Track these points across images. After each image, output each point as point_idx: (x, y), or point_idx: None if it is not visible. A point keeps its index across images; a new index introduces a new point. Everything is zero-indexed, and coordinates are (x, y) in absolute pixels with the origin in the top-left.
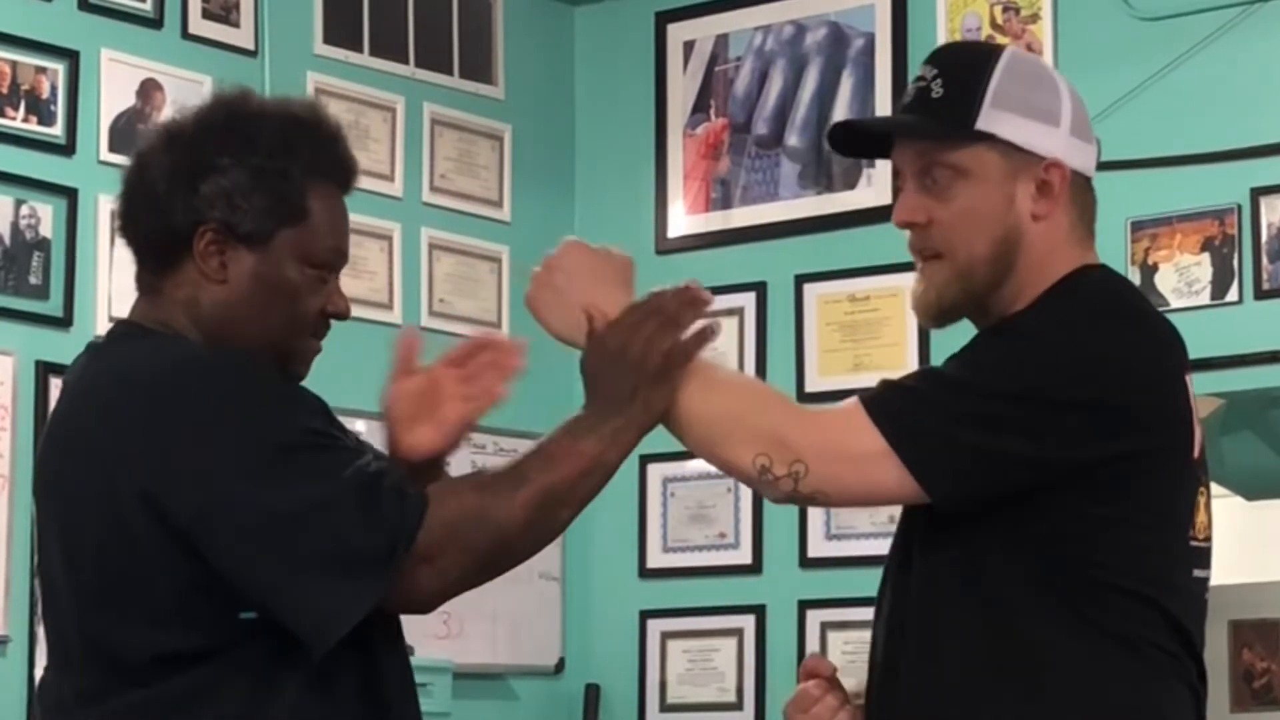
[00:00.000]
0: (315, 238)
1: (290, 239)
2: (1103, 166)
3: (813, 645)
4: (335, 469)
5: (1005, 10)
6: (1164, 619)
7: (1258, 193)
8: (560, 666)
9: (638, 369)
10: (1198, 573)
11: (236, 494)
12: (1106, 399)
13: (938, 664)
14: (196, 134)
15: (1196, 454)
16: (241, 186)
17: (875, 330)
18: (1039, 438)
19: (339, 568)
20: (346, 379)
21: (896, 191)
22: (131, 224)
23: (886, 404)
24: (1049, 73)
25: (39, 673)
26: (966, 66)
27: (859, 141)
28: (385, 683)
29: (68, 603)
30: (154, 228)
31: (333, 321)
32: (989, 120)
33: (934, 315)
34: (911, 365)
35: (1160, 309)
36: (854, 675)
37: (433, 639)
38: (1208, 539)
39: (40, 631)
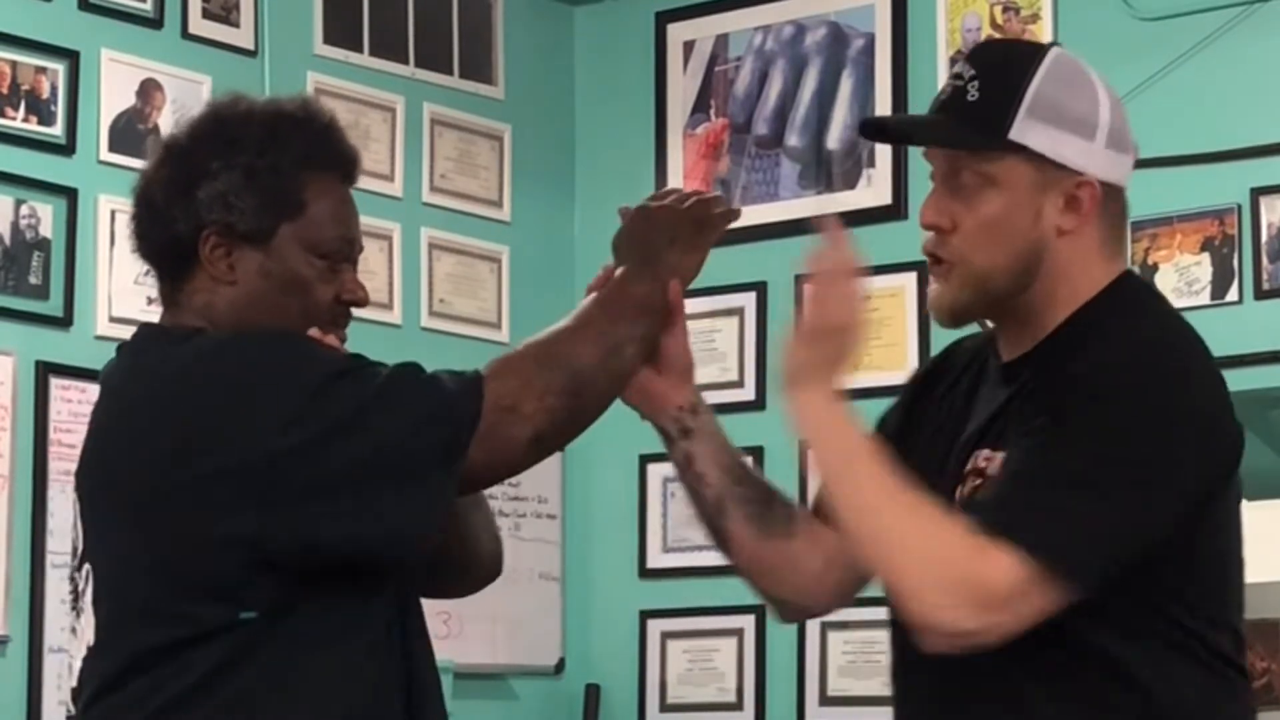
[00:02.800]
0: (318, 228)
1: (292, 232)
2: None
3: (813, 645)
4: (378, 378)
5: (1005, 10)
6: (1235, 638)
7: (1258, 193)
8: (560, 666)
9: (673, 224)
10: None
11: (295, 433)
12: (1208, 454)
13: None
14: (189, 144)
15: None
16: (235, 187)
17: (875, 330)
18: (1165, 507)
19: (402, 477)
20: None
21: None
22: (142, 241)
23: (1024, 523)
24: (1090, 79)
25: (41, 672)
26: (1005, 70)
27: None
28: (414, 675)
29: (119, 583)
30: (161, 240)
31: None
32: (1023, 130)
33: (950, 318)
34: (912, 365)
35: None
36: (852, 676)
37: (433, 639)
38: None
39: (43, 630)
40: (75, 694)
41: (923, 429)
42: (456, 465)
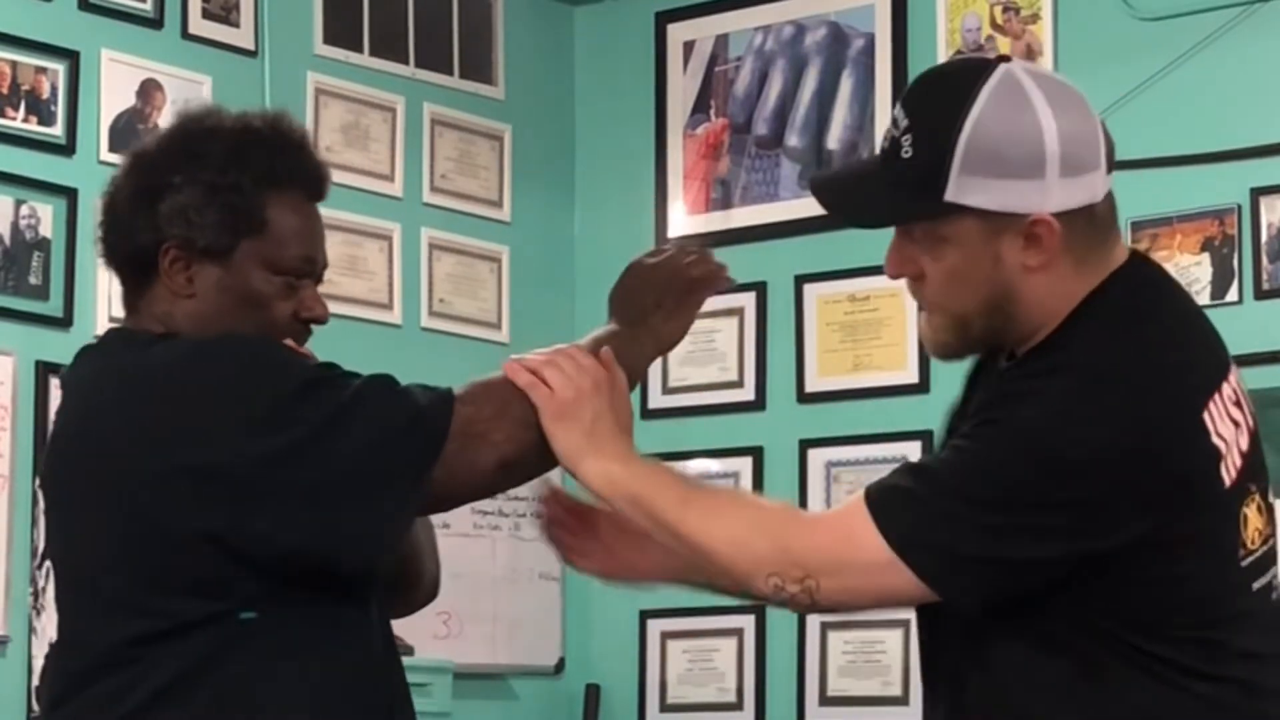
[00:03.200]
0: (278, 246)
1: (252, 249)
2: None
3: (813, 645)
4: (349, 389)
5: (1005, 10)
6: (1232, 650)
7: (1258, 193)
8: (560, 666)
9: (662, 287)
10: (1258, 584)
11: (262, 440)
12: (1100, 499)
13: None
14: (155, 155)
15: (1233, 478)
16: (196, 202)
17: (875, 330)
18: (1041, 539)
19: (370, 487)
20: None
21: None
22: (107, 249)
23: (890, 509)
24: (1032, 110)
25: (38, 671)
26: (936, 120)
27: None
28: (393, 680)
29: (87, 579)
30: (123, 249)
31: (314, 327)
32: (959, 190)
33: (940, 357)
34: (911, 365)
35: None
36: (852, 676)
37: (433, 639)
38: (1266, 540)
39: (39, 628)
40: (39, 693)
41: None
42: (420, 482)
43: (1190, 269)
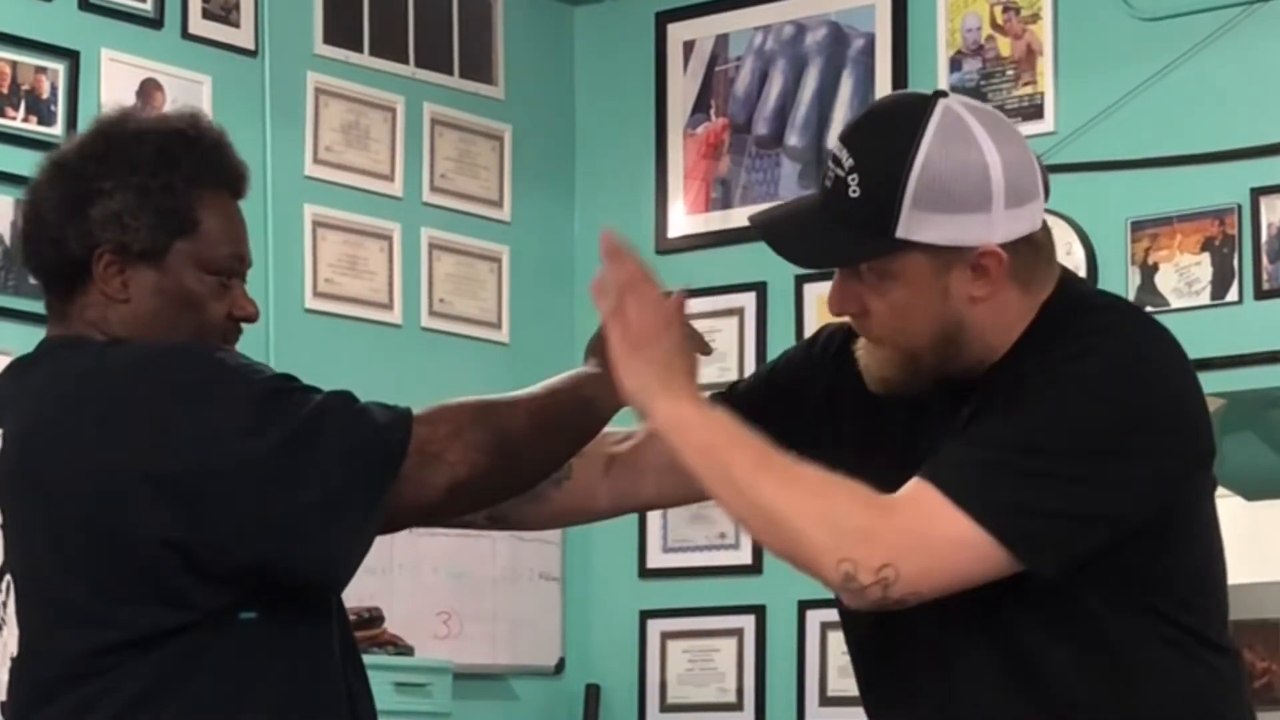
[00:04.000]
0: (210, 245)
1: (185, 250)
2: (1103, 166)
3: (813, 645)
4: (308, 403)
5: (1005, 10)
6: (1221, 624)
7: (1258, 193)
8: (560, 666)
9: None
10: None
11: (222, 451)
12: (1168, 440)
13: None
14: (79, 162)
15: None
16: (129, 206)
17: None
18: (1120, 490)
19: (332, 504)
20: (347, 379)
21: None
22: (32, 257)
23: (964, 482)
24: (977, 143)
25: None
26: (883, 160)
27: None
28: (353, 685)
29: (58, 592)
30: (51, 258)
31: (244, 326)
32: (909, 227)
33: (887, 391)
34: None
35: (1160, 309)
36: (852, 676)
37: (433, 639)
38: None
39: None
40: (2, 707)
41: (847, 428)
42: (381, 500)
43: (1190, 269)
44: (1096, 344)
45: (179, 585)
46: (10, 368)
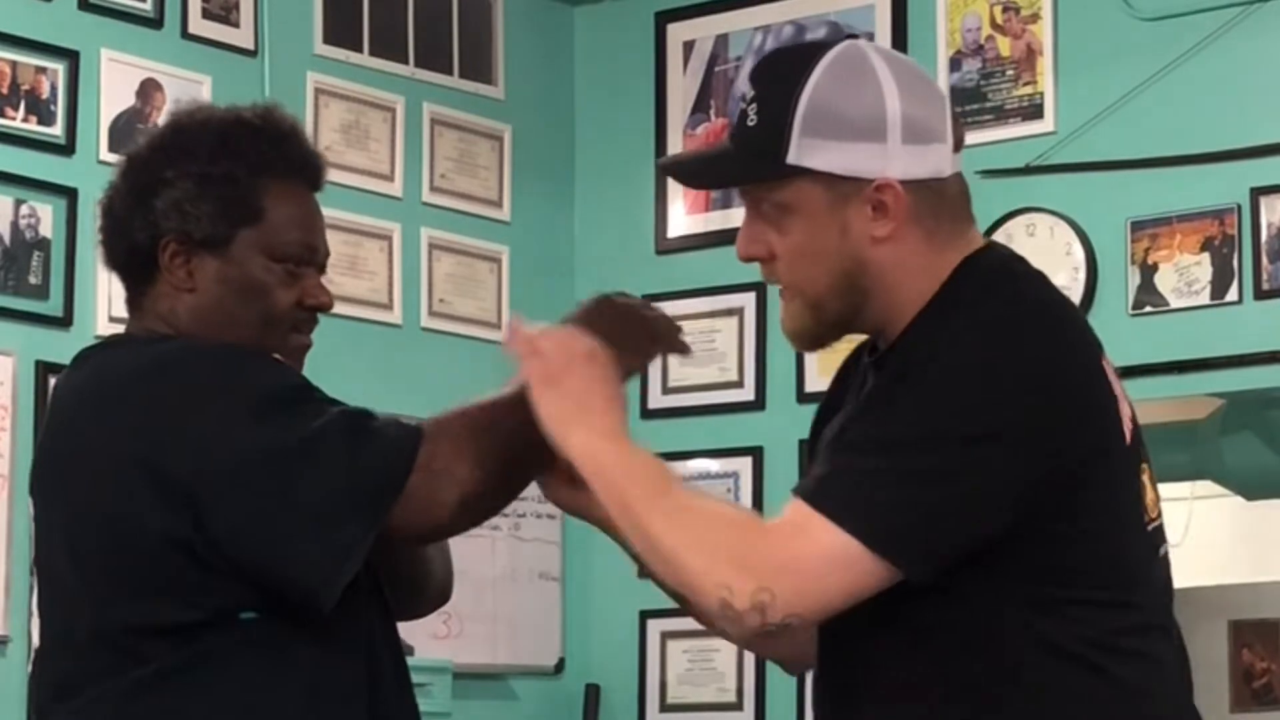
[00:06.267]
0: (276, 234)
1: (250, 238)
2: (1103, 166)
3: None
4: (321, 415)
5: (1005, 10)
6: (1138, 617)
7: (1258, 193)
8: (560, 666)
9: (624, 323)
10: (1162, 551)
11: (226, 452)
12: (1032, 421)
13: (911, 700)
14: (147, 154)
15: (1129, 437)
16: (189, 194)
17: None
18: (990, 479)
19: (333, 514)
20: (347, 379)
21: None
22: (107, 251)
23: (827, 491)
24: (874, 75)
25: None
26: (778, 88)
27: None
28: (383, 678)
29: (72, 586)
30: (122, 249)
31: (319, 315)
32: (800, 152)
33: (803, 345)
34: None
35: (1160, 309)
36: None
37: (433, 639)
38: (1159, 515)
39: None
40: (30, 698)
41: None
42: (379, 515)
43: (1190, 269)
44: (955, 325)
45: (189, 581)
46: (74, 361)
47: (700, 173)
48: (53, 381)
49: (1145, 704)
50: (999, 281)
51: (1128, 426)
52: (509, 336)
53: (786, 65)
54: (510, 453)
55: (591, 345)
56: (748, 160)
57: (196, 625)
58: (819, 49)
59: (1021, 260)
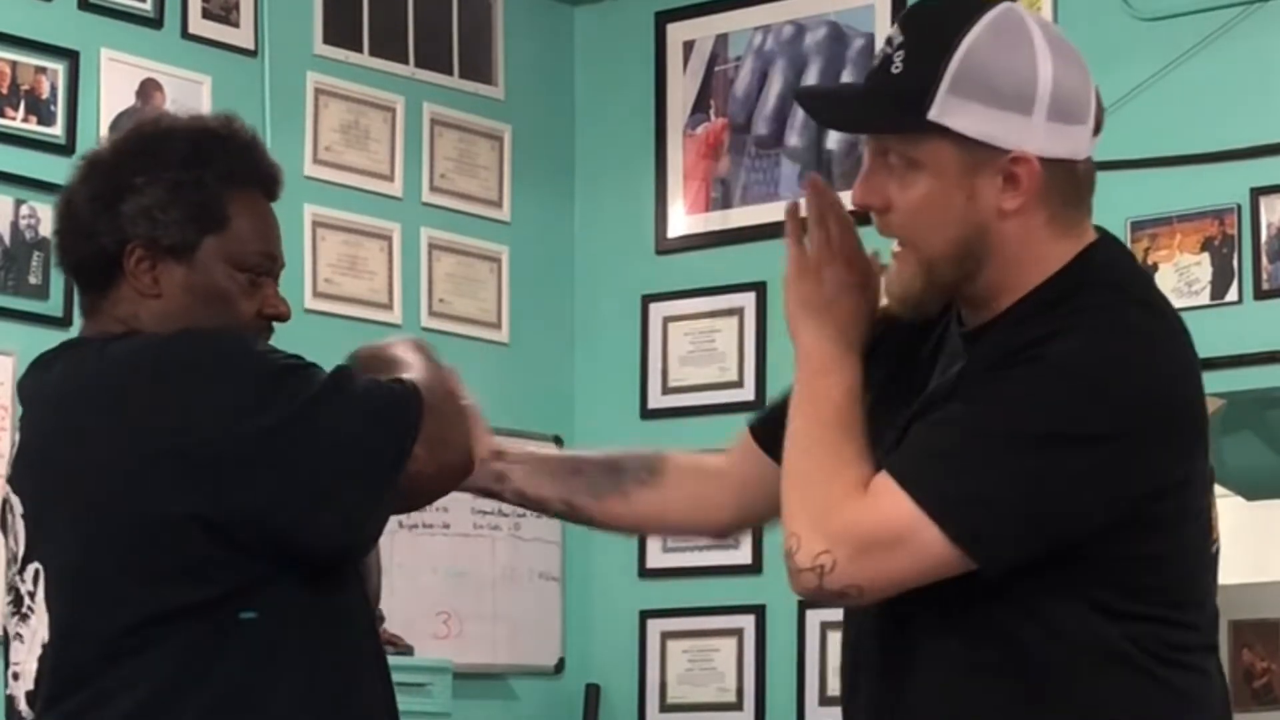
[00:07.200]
0: (240, 243)
1: (215, 246)
2: (1103, 166)
3: (813, 645)
4: (322, 381)
5: None
6: (1197, 638)
7: (1258, 193)
8: (560, 666)
9: None
10: (1218, 577)
11: (242, 426)
12: (1145, 433)
13: (969, 703)
14: (113, 158)
15: (1208, 455)
16: (160, 201)
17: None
18: (1083, 483)
19: (352, 468)
20: None
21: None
22: (64, 254)
23: (916, 470)
24: (1031, 46)
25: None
26: (932, 38)
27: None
28: (370, 675)
29: (85, 580)
30: (84, 253)
31: (274, 325)
32: (944, 110)
33: (906, 309)
34: None
35: None
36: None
37: (433, 639)
38: (1219, 536)
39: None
40: (32, 696)
41: (875, 373)
42: (401, 464)
43: (1190, 269)
44: (1080, 323)
45: (204, 563)
46: (31, 367)
47: (836, 113)
48: None
49: (1197, 713)
50: (1120, 284)
51: (1208, 444)
52: (812, 186)
53: (943, 16)
54: (470, 412)
55: (857, 251)
56: (887, 108)
57: (204, 617)
58: (978, 5)
59: (1133, 256)
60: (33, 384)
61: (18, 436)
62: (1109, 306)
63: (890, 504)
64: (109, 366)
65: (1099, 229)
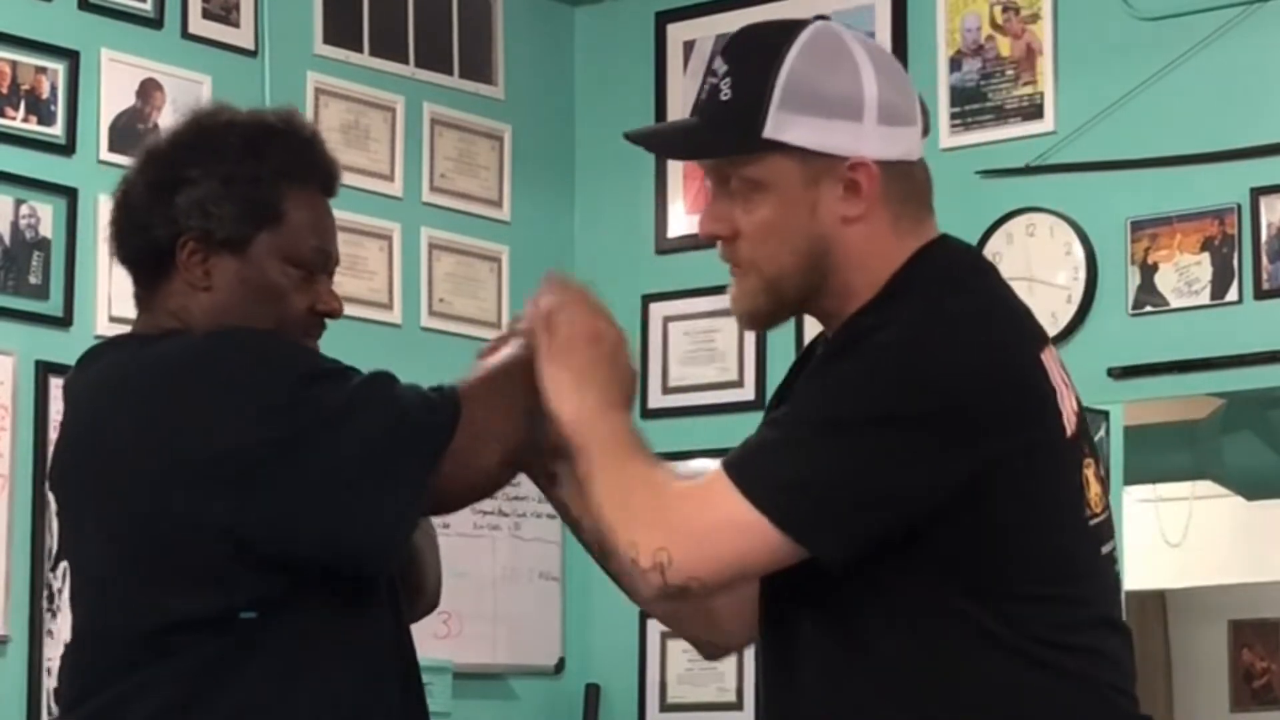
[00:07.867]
0: (295, 238)
1: (269, 241)
2: (1103, 166)
3: None
4: (357, 385)
5: (1005, 10)
6: (1085, 612)
7: (1258, 193)
8: (560, 666)
9: None
10: (1105, 549)
11: (265, 431)
12: (961, 407)
13: (849, 695)
14: (169, 150)
15: (1072, 431)
16: (214, 195)
17: None
18: (906, 463)
19: (379, 477)
20: None
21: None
22: (120, 245)
23: (745, 463)
24: (851, 56)
25: (41, 672)
26: (755, 62)
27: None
28: (392, 688)
29: (108, 581)
30: (138, 245)
31: (327, 321)
32: (777, 126)
33: (751, 325)
34: None
35: (1160, 309)
36: None
37: (433, 639)
38: (1105, 509)
39: (43, 629)
40: (57, 693)
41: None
42: (427, 476)
43: (1190, 269)
44: (899, 314)
45: (226, 571)
46: (77, 364)
47: (676, 145)
48: (53, 381)
49: (1078, 694)
50: (943, 272)
51: (1071, 420)
52: (549, 281)
53: (763, 41)
54: (532, 405)
55: (599, 327)
56: (724, 133)
57: (224, 623)
58: (794, 27)
59: (972, 252)
60: (77, 380)
61: (54, 434)
62: (928, 296)
63: (721, 495)
64: (142, 370)
65: (943, 233)
